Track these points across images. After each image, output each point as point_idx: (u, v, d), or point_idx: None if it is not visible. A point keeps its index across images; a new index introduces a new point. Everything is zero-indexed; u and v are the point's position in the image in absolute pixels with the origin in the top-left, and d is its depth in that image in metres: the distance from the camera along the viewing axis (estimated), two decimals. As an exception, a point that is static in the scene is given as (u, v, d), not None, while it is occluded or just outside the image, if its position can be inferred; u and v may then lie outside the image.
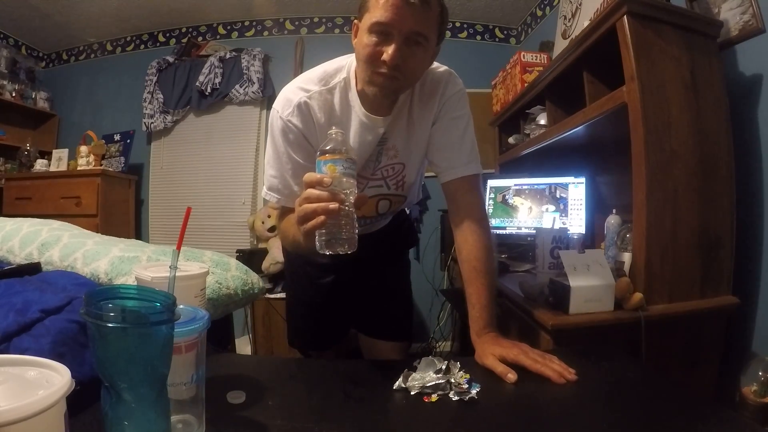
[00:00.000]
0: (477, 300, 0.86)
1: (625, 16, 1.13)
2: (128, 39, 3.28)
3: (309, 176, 0.65)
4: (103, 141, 2.97)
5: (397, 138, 0.93)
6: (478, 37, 3.11)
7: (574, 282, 1.04)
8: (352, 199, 0.65)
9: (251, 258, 2.44)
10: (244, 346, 2.43)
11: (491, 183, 2.12)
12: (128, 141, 3.00)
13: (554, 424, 0.60)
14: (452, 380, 0.67)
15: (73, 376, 0.36)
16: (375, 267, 1.17)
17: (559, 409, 0.64)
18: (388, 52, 0.74)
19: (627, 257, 1.19)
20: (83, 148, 2.89)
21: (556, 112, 1.68)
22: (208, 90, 2.96)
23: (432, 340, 2.78)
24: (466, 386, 0.66)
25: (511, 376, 0.70)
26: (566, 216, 1.78)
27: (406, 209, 1.27)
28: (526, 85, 1.95)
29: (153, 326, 0.40)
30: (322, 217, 0.62)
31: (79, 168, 2.85)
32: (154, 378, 0.41)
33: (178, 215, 0.99)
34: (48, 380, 0.36)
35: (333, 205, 0.62)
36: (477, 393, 0.64)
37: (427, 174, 1.12)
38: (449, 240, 2.22)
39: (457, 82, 0.94)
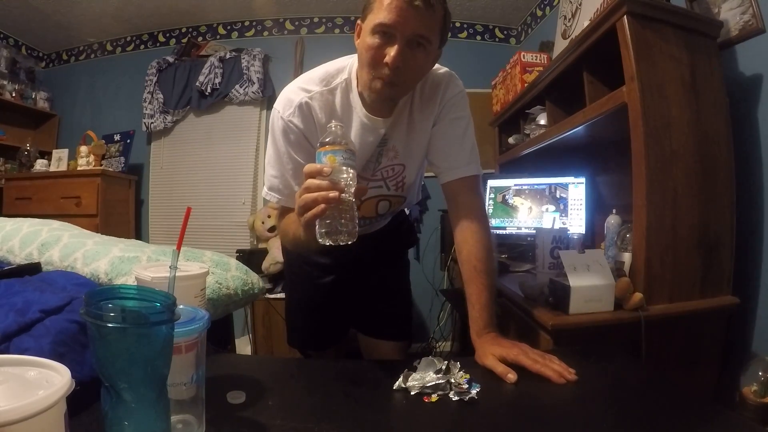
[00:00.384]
0: (477, 300, 0.86)
1: (625, 16, 1.13)
2: (128, 39, 3.28)
3: (309, 167, 0.66)
4: (103, 141, 2.97)
5: (397, 139, 0.93)
6: (478, 37, 3.12)
7: (574, 282, 1.04)
8: (352, 189, 0.65)
9: (251, 258, 2.44)
10: (244, 346, 2.43)
11: (491, 183, 2.12)
12: (128, 141, 3.00)
13: (554, 424, 0.60)
14: (452, 380, 0.67)
15: (73, 376, 0.35)
16: (374, 267, 1.17)
17: (559, 409, 0.64)
18: (390, 53, 0.75)
19: (627, 257, 1.19)
20: (83, 148, 2.89)
21: (556, 112, 1.68)
22: (208, 90, 2.96)
23: (432, 340, 2.78)
24: (466, 386, 0.66)
25: (511, 376, 0.70)
26: (566, 216, 1.78)
27: (405, 209, 1.27)
28: (526, 85, 1.95)
29: (153, 326, 0.40)
30: (322, 206, 0.63)
31: (79, 168, 2.85)
32: (154, 378, 0.41)
33: (178, 215, 0.99)
34: (48, 380, 0.36)
35: (333, 194, 0.62)
36: (477, 393, 0.64)
37: (427, 174, 1.12)
38: (449, 240, 2.23)
39: (457, 83, 0.94)
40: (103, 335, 0.38)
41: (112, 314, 0.38)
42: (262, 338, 2.42)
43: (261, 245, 2.74)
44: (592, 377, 0.72)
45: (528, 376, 0.71)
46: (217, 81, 2.95)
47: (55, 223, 1.23)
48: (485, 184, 2.10)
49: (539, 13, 2.74)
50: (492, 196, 2.09)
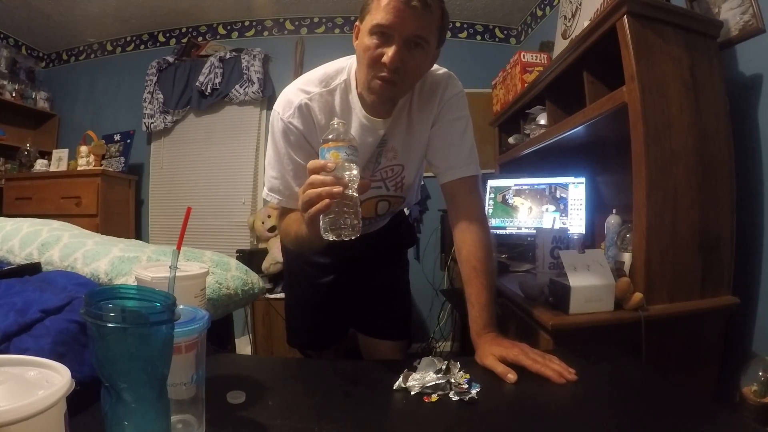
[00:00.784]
0: (477, 300, 0.86)
1: (625, 16, 1.13)
2: (128, 39, 3.28)
3: (313, 162, 0.66)
4: (103, 141, 2.97)
5: (396, 139, 0.93)
6: (478, 37, 3.12)
7: (574, 282, 1.04)
8: (355, 185, 0.66)
9: (251, 258, 2.44)
10: (244, 346, 2.43)
11: (491, 183, 2.12)
12: (128, 141, 3.00)
13: (554, 424, 0.60)
14: (452, 380, 0.67)
15: (73, 376, 0.35)
16: (374, 267, 1.17)
17: (559, 409, 0.64)
18: (389, 54, 0.75)
19: (627, 257, 1.19)
20: (83, 148, 2.89)
21: (556, 112, 1.68)
22: (208, 90, 2.96)
23: (432, 340, 2.78)
24: (466, 386, 0.66)
25: (511, 376, 0.70)
26: (566, 216, 1.78)
27: (405, 210, 1.28)
28: (526, 85, 1.95)
29: (153, 326, 0.40)
30: (326, 201, 0.63)
31: (79, 168, 2.85)
32: (154, 378, 0.41)
33: (178, 215, 0.99)
34: (48, 380, 0.36)
35: (337, 189, 0.62)
36: (477, 393, 0.64)
37: (426, 174, 1.12)
38: (449, 240, 2.22)
39: (456, 84, 0.94)
40: (103, 335, 0.38)
41: (112, 314, 0.38)
42: (262, 338, 2.42)
43: (261, 245, 2.74)
44: (592, 377, 0.72)
45: (528, 376, 0.71)
46: (217, 81, 2.95)
47: (55, 223, 1.23)
48: (485, 184, 2.10)
49: (539, 13, 2.74)
50: (492, 196, 2.09)
